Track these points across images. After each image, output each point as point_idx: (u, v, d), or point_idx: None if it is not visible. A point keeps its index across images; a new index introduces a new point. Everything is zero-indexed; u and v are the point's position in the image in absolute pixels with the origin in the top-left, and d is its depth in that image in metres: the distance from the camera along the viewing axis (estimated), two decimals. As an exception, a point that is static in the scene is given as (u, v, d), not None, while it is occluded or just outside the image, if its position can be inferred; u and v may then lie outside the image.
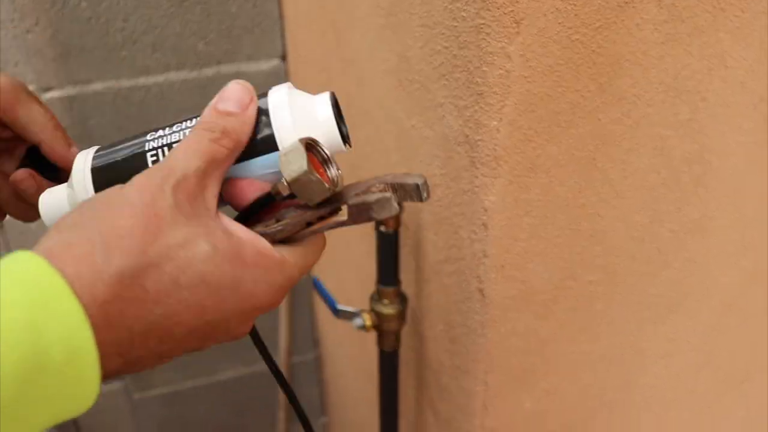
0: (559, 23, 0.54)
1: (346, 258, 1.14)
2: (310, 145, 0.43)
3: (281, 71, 1.36)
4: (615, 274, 0.70)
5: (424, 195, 0.44)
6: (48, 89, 1.24)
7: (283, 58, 1.35)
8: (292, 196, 0.43)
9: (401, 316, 0.81)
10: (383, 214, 0.44)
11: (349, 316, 0.83)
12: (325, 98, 0.47)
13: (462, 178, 0.62)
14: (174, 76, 1.30)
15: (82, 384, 0.34)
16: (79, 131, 1.29)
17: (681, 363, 0.82)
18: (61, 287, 0.34)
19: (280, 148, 0.44)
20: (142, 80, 1.29)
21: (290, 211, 0.44)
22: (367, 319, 0.81)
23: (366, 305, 0.84)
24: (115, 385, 1.62)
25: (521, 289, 0.66)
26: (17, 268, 0.34)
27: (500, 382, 0.72)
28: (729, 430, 0.95)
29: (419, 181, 0.44)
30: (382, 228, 0.74)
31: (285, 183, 0.42)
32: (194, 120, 0.46)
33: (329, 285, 0.99)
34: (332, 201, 0.44)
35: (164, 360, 0.41)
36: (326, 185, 0.42)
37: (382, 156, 0.82)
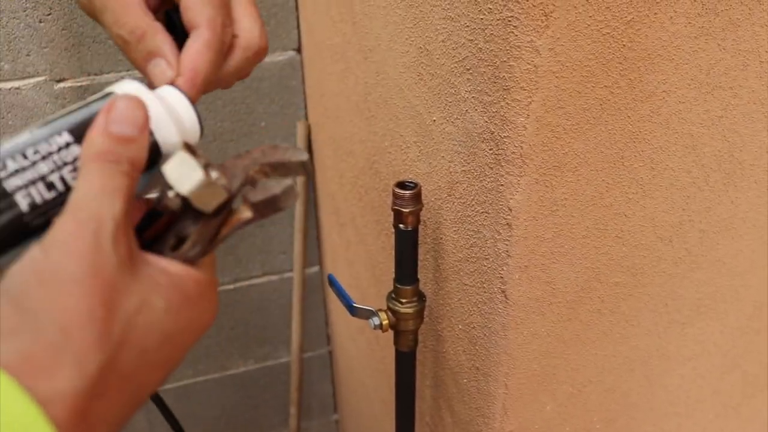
0: (590, 16, 0.52)
1: (361, 255, 1.13)
2: (188, 148, 0.40)
3: (296, 63, 1.35)
4: (642, 276, 0.68)
5: (310, 171, 0.43)
6: (61, 80, 1.23)
7: (298, 50, 1.34)
8: (180, 210, 0.40)
9: (419, 316, 0.79)
10: (289, 203, 0.43)
11: (366, 314, 0.81)
12: (175, 94, 0.44)
13: (486, 176, 0.60)
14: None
15: None
16: (92, 123, 1.28)
17: (707, 365, 0.80)
18: (38, 422, 0.30)
19: (165, 162, 0.40)
20: (156, 72, 1.27)
21: (186, 224, 0.41)
22: (384, 318, 0.79)
23: (380, 303, 0.82)
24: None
25: (545, 290, 0.64)
26: None
27: (521, 385, 0.70)
28: (753, 433, 0.93)
29: (302, 157, 0.44)
30: (401, 226, 0.72)
31: (176, 197, 0.39)
32: (54, 142, 0.39)
33: (343, 282, 0.98)
34: (226, 202, 0.42)
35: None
36: (222, 187, 0.40)
37: (401, 151, 0.81)
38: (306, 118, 1.41)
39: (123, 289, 0.34)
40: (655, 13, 0.53)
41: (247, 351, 1.67)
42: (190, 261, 0.41)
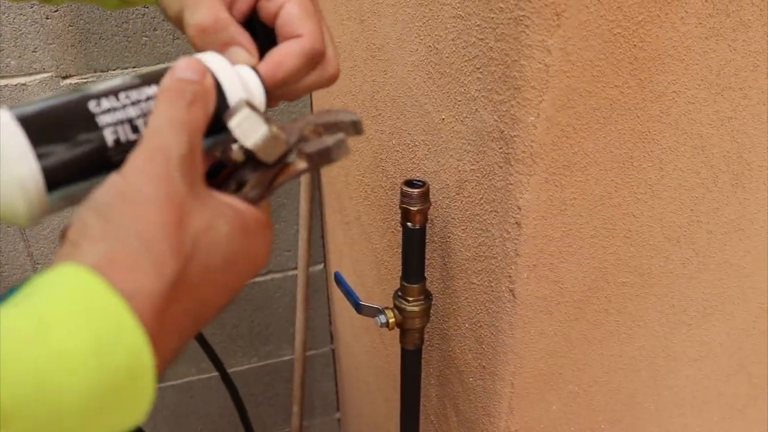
0: (601, 16, 0.52)
1: (366, 253, 1.13)
2: (253, 107, 0.43)
3: (302, 61, 1.34)
4: (649, 276, 0.68)
5: (361, 130, 0.48)
6: (67, 76, 1.23)
7: (305, 47, 1.33)
8: (245, 162, 0.44)
9: (426, 314, 0.79)
10: (341, 155, 0.46)
11: (373, 312, 0.81)
12: (249, 71, 0.47)
13: (495, 174, 0.60)
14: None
15: (140, 400, 0.34)
16: (98, 119, 1.28)
17: (713, 366, 0.80)
18: (123, 313, 0.33)
19: (231, 117, 0.43)
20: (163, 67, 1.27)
21: (246, 172, 0.45)
22: (390, 316, 0.79)
23: (385, 302, 0.82)
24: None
25: (553, 289, 0.64)
26: (74, 289, 0.33)
27: (527, 384, 0.70)
28: (758, 435, 0.93)
29: (354, 118, 0.47)
30: (409, 224, 0.72)
31: (240, 149, 0.43)
32: (138, 90, 0.42)
33: (347, 281, 0.98)
34: (285, 154, 0.45)
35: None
36: (283, 139, 0.44)
37: (408, 149, 0.81)
38: (311, 116, 1.41)
39: (191, 211, 0.38)
40: (666, 14, 0.53)
41: (251, 349, 1.67)
42: (250, 201, 0.44)
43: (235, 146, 0.43)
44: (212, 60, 0.45)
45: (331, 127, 0.47)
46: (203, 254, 0.38)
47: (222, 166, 0.45)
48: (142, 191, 0.37)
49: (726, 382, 0.83)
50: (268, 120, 0.44)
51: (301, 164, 0.45)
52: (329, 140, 0.45)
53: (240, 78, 0.46)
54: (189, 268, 0.37)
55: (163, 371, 0.37)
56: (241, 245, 0.41)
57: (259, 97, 0.47)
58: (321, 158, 0.45)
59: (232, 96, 0.45)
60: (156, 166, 0.37)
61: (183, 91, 0.40)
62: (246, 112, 0.42)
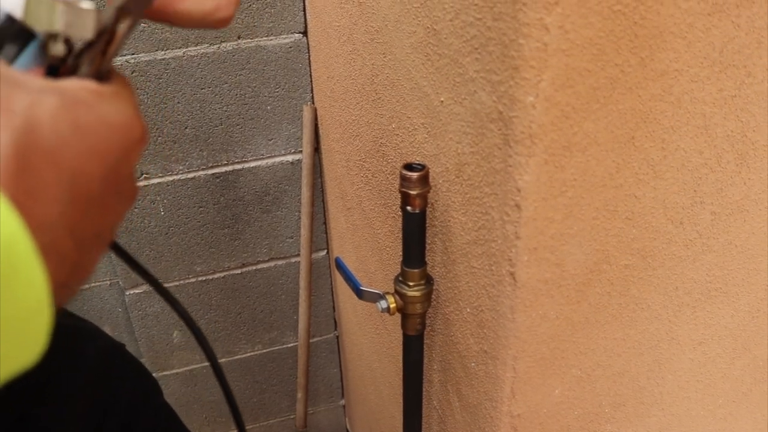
0: (601, -8, 0.51)
1: (368, 238, 1.12)
2: None
3: (303, 46, 1.34)
4: (652, 258, 0.67)
5: None
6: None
7: (305, 32, 1.33)
8: (69, 51, 0.42)
9: (427, 299, 0.78)
10: None
11: (373, 297, 0.81)
12: None
13: (494, 156, 0.60)
14: (193, 50, 1.28)
15: (27, 283, 0.32)
16: (97, 107, 1.27)
17: (717, 349, 0.79)
18: None
19: (23, 25, 0.41)
20: (161, 54, 1.27)
21: (78, 60, 0.43)
22: (391, 302, 0.79)
23: (387, 287, 0.82)
24: (134, 363, 1.61)
25: (554, 272, 0.64)
26: None
27: (529, 368, 0.70)
28: (764, 418, 0.92)
29: None
30: (409, 208, 0.71)
31: (55, 40, 0.41)
32: None
33: (349, 266, 0.97)
34: (103, 24, 0.42)
35: (108, 233, 0.42)
36: (91, 9, 0.41)
37: (408, 133, 0.80)
38: (312, 101, 1.40)
39: (6, 94, 0.36)
40: (668, -10, 0.52)
41: (254, 336, 1.67)
42: (89, 79, 0.42)
43: (50, 42, 0.41)
44: None
45: None
46: (46, 125, 0.36)
47: (55, 69, 0.43)
48: None
49: (730, 365, 0.83)
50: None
51: (123, 23, 0.43)
52: None
53: None
54: (34, 138, 0.35)
55: (68, 263, 0.37)
56: (85, 114, 0.39)
57: None
58: (137, 2, 0.42)
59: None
60: None
61: None
62: (34, 4, 0.40)
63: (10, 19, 0.41)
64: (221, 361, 1.68)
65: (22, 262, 0.31)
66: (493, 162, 0.60)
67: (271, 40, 1.32)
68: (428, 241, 0.77)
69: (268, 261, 1.57)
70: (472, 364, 0.77)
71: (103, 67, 0.43)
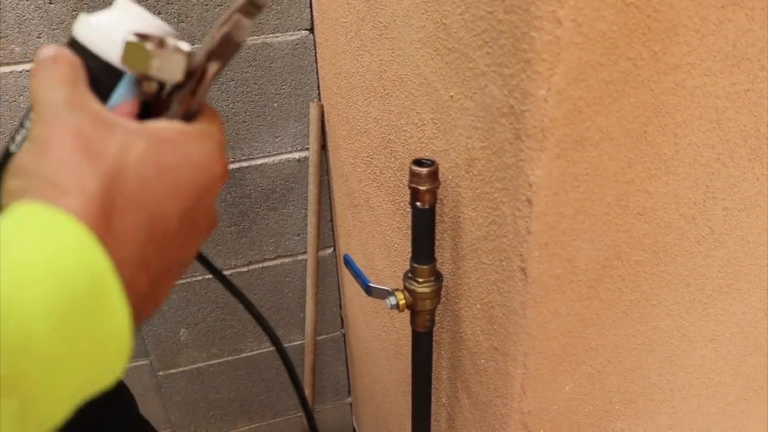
0: (614, -15, 0.50)
1: (375, 235, 1.12)
2: (141, 37, 0.44)
3: (309, 42, 1.33)
4: (663, 254, 0.67)
5: (261, 3, 0.46)
6: (72, 61, 1.22)
7: (311, 29, 1.32)
8: (161, 89, 0.46)
9: (436, 295, 0.78)
10: (243, 34, 0.46)
11: (382, 294, 0.80)
12: (120, 1, 0.48)
13: (505, 151, 0.59)
14: (199, 47, 1.27)
15: (112, 313, 0.35)
16: (104, 104, 1.27)
17: (729, 346, 0.79)
18: (71, 229, 0.35)
19: (118, 66, 0.45)
20: (167, 52, 1.26)
21: (171, 98, 0.47)
22: (401, 298, 0.78)
23: (395, 284, 0.82)
24: (141, 362, 1.62)
25: (566, 268, 0.63)
26: (16, 218, 0.35)
27: (540, 365, 0.69)
28: (774, 415, 0.92)
29: None
30: (418, 204, 0.71)
31: (149, 80, 0.45)
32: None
33: (357, 263, 0.97)
34: (194, 66, 0.46)
35: (181, 267, 0.45)
36: (181, 53, 0.45)
37: (417, 128, 0.79)
38: (319, 98, 1.40)
39: (101, 138, 0.40)
40: (681, -18, 0.52)
41: (261, 334, 1.67)
42: (178, 119, 0.46)
43: (143, 81, 0.45)
44: (80, 28, 0.47)
45: (231, 17, 0.46)
46: (131, 169, 0.40)
47: (149, 105, 0.47)
48: (44, 138, 0.39)
49: (742, 362, 0.82)
50: (161, 40, 0.45)
51: (213, 65, 0.46)
52: (226, 27, 0.46)
53: (114, 24, 0.47)
54: (120, 183, 0.39)
55: (143, 294, 0.39)
56: (170, 153, 0.42)
57: (145, 24, 0.47)
58: (226, 47, 0.46)
59: (103, 46, 0.46)
60: (49, 117, 0.40)
61: (41, 62, 0.43)
62: (126, 46, 0.44)
63: (104, 61, 0.46)
64: (227, 359, 1.68)
65: (109, 297, 0.35)
66: (504, 157, 0.60)
67: (277, 37, 1.31)
68: (437, 237, 0.77)
69: (274, 258, 1.57)
70: (482, 361, 0.76)
71: (193, 106, 0.47)
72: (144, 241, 0.40)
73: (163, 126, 0.44)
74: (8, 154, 0.46)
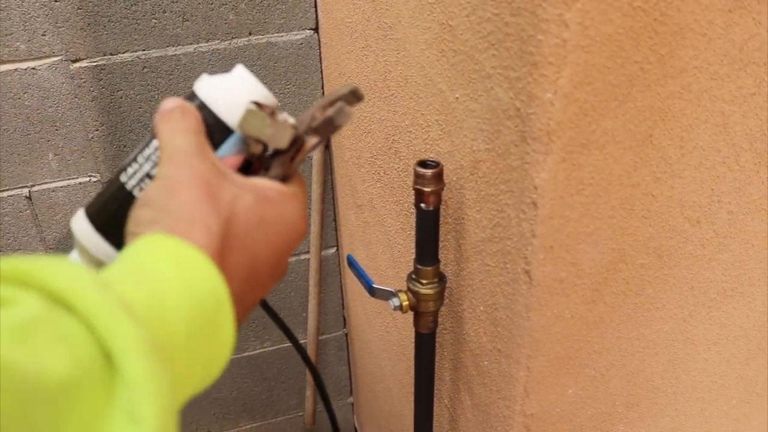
0: (621, -12, 0.50)
1: (379, 236, 1.12)
2: (259, 106, 0.51)
3: (314, 42, 1.33)
4: (668, 257, 0.67)
5: (360, 95, 0.54)
6: (77, 60, 1.22)
7: (316, 29, 1.32)
8: (264, 151, 0.52)
9: (440, 297, 0.78)
10: (344, 121, 0.52)
11: (386, 295, 0.80)
12: (240, 69, 0.54)
13: (511, 153, 0.59)
14: (204, 46, 1.27)
15: (225, 330, 0.42)
16: (108, 103, 1.28)
17: (732, 349, 0.79)
18: (194, 253, 0.42)
19: (230, 125, 0.52)
20: (171, 51, 1.27)
21: (272, 159, 0.53)
22: (404, 299, 0.78)
23: (398, 285, 0.82)
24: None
25: (570, 271, 0.63)
26: (160, 249, 0.42)
27: (543, 368, 0.69)
28: (777, 419, 0.92)
29: (351, 87, 0.53)
30: (422, 205, 0.71)
31: (257, 143, 0.52)
32: (149, 147, 0.52)
33: (361, 264, 0.97)
34: (297, 136, 0.53)
35: (257, 303, 0.51)
36: (290, 125, 0.52)
37: (421, 130, 0.79)
38: (323, 98, 1.40)
39: (218, 184, 0.46)
40: (689, -14, 0.52)
41: (264, 333, 1.67)
42: (276, 179, 0.52)
43: (251, 142, 0.52)
44: (201, 86, 0.54)
45: (334, 102, 0.52)
46: (240, 216, 0.46)
47: (250, 162, 0.53)
48: (173, 179, 0.46)
49: (745, 365, 0.82)
50: (273, 111, 0.52)
51: (312, 139, 0.53)
52: (331, 110, 0.51)
53: (226, 84, 0.53)
54: (231, 227, 0.45)
55: (235, 319, 0.44)
56: (270, 210, 0.49)
57: (259, 94, 0.53)
58: (327, 128, 0.52)
59: (222, 106, 0.52)
60: (177, 160, 0.47)
61: (171, 113, 0.50)
62: (248, 112, 0.51)
63: (220, 119, 0.52)
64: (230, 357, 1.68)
65: (225, 318, 0.42)
66: (509, 159, 0.60)
67: (282, 36, 1.31)
68: (441, 238, 0.77)
69: (277, 258, 1.57)
70: (485, 363, 0.76)
71: (290, 171, 0.53)
72: (243, 279, 0.46)
73: (265, 184, 0.50)
74: (121, 184, 0.53)
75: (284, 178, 0.53)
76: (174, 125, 0.49)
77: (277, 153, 0.53)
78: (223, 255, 0.44)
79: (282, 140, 0.52)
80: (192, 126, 0.49)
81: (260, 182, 0.50)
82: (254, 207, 0.47)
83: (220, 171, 0.48)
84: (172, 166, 0.47)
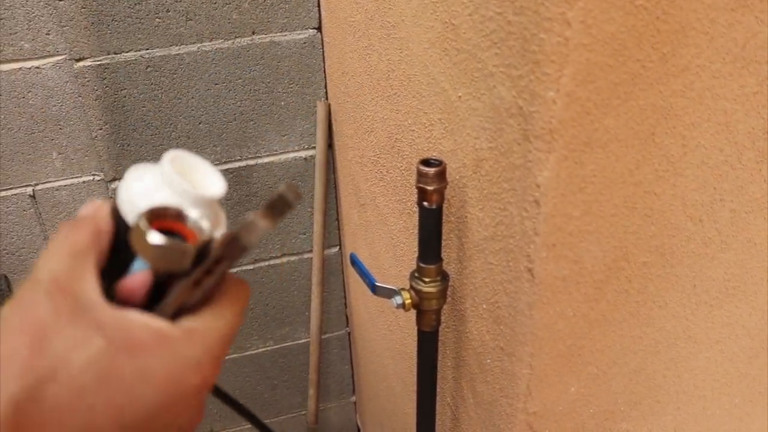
0: (623, -13, 0.50)
1: (382, 235, 1.12)
2: (155, 214, 0.40)
3: (317, 41, 1.33)
4: (670, 256, 0.67)
5: (295, 196, 0.39)
6: (80, 59, 1.23)
7: (319, 28, 1.33)
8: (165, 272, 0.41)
9: (442, 295, 0.78)
10: (252, 239, 0.40)
11: (388, 293, 0.81)
12: (164, 158, 0.44)
13: (513, 152, 0.59)
14: (207, 45, 1.28)
15: None
16: (111, 101, 1.28)
17: (734, 348, 0.79)
18: None
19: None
20: (175, 50, 1.27)
21: (177, 281, 0.41)
22: (407, 297, 0.79)
23: (401, 283, 0.82)
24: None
25: (572, 269, 0.63)
26: None
27: (546, 366, 0.69)
28: (779, 418, 0.92)
29: (281, 190, 0.39)
30: (425, 204, 0.71)
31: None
32: None
33: (363, 263, 0.97)
34: (205, 251, 0.42)
35: None
36: (183, 246, 0.40)
37: (424, 129, 0.79)
38: (326, 97, 1.40)
39: (54, 329, 0.36)
40: (691, -16, 0.52)
41: (266, 331, 1.68)
42: (162, 313, 0.40)
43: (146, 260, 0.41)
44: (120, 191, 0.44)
45: (270, 207, 0.40)
46: (68, 375, 0.35)
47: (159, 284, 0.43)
48: (3, 320, 0.36)
49: (748, 364, 0.82)
50: (179, 217, 0.41)
51: (222, 264, 0.41)
52: (236, 225, 0.40)
53: (143, 189, 0.43)
54: (45, 392, 0.34)
55: None
56: (124, 362, 0.36)
57: (167, 194, 0.43)
58: (232, 249, 0.40)
59: (127, 212, 0.42)
60: (24, 293, 0.37)
61: (64, 226, 0.41)
62: (133, 228, 0.40)
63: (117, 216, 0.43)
64: (232, 356, 1.68)
65: None
66: (512, 157, 0.60)
67: (285, 35, 1.32)
68: (444, 236, 0.77)
69: (280, 257, 1.57)
70: (488, 361, 0.76)
71: (192, 297, 0.41)
72: None
73: (138, 323, 0.38)
74: None
75: (174, 314, 0.41)
76: (54, 245, 0.40)
77: (183, 275, 0.41)
78: (18, 427, 0.33)
79: (174, 262, 0.40)
80: (74, 246, 0.39)
81: (134, 319, 0.38)
82: (98, 359, 0.35)
83: (76, 308, 0.37)
84: (17, 298, 0.37)
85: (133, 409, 0.36)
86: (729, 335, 0.77)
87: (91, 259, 0.39)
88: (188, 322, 0.40)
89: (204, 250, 0.42)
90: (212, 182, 0.45)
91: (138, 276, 0.41)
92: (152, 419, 0.37)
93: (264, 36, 1.30)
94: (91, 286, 0.38)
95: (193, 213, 0.42)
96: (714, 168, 0.63)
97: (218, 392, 0.58)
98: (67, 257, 0.38)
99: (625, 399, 0.78)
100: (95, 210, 0.42)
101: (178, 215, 0.41)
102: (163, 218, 0.41)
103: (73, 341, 0.35)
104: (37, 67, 1.25)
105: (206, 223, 0.42)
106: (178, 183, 0.42)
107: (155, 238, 0.39)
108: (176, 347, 0.38)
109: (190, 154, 0.45)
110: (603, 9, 0.50)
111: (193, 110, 1.33)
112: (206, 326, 0.40)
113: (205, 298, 0.42)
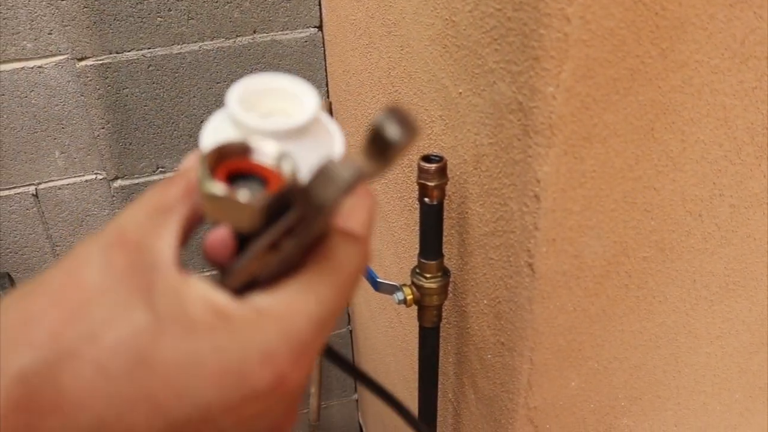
0: (622, -17, 0.51)
1: (383, 231, 1.12)
2: (219, 154, 0.31)
3: (318, 40, 1.34)
4: (670, 251, 0.67)
5: (391, 134, 0.27)
6: (82, 58, 1.23)
7: (320, 27, 1.33)
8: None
9: (443, 291, 0.79)
10: (329, 192, 0.29)
11: (390, 289, 0.81)
12: (232, 90, 0.35)
13: (513, 147, 0.60)
14: (209, 44, 1.28)
15: None
16: (113, 101, 1.28)
17: (735, 343, 0.79)
18: None
19: None
20: (177, 49, 1.27)
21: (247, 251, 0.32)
22: (408, 293, 0.79)
23: (402, 280, 0.82)
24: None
25: (573, 264, 0.64)
26: None
27: (546, 360, 0.70)
28: (780, 413, 0.92)
29: (379, 119, 0.28)
30: (426, 200, 0.71)
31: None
32: None
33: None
34: (290, 199, 0.31)
35: None
36: (234, 196, 0.30)
37: (425, 125, 0.80)
38: (327, 95, 1.40)
39: (97, 291, 0.29)
40: (689, -20, 0.52)
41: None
42: (230, 287, 0.32)
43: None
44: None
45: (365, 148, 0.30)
46: (96, 352, 0.28)
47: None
48: (48, 273, 0.31)
49: (748, 360, 0.82)
50: (252, 151, 0.32)
51: (294, 222, 0.31)
52: (313, 172, 0.30)
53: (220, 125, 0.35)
54: (64, 369, 0.28)
55: None
56: (166, 339, 0.29)
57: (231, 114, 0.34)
58: (303, 206, 0.30)
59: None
60: (77, 248, 0.31)
61: (166, 178, 0.34)
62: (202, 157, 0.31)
63: None
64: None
65: None
66: (512, 153, 0.60)
67: (286, 34, 1.32)
68: (445, 232, 0.78)
69: (282, 255, 1.58)
70: (489, 356, 0.77)
71: (270, 266, 0.32)
72: None
73: (192, 296, 0.30)
74: None
75: (241, 288, 0.32)
76: (142, 198, 0.33)
77: (253, 236, 0.31)
78: (19, 409, 0.27)
79: (234, 217, 0.30)
80: (163, 199, 0.32)
81: (191, 291, 0.30)
82: (139, 335, 0.28)
83: (138, 263, 0.30)
84: (63, 259, 0.31)
85: (176, 405, 0.29)
86: (729, 330, 0.78)
87: (176, 216, 0.32)
88: (261, 299, 0.31)
89: (291, 199, 0.31)
90: (302, 104, 0.35)
91: (217, 232, 0.33)
92: (210, 421, 0.30)
93: (265, 35, 1.31)
94: (164, 244, 0.31)
95: (268, 148, 0.32)
96: (713, 163, 0.63)
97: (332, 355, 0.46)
98: (145, 211, 0.32)
99: (626, 394, 0.78)
100: (186, 162, 0.35)
101: (245, 150, 0.32)
102: (229, 157, 0.31)
103: (113, 310, 0.29)
104: (40, 67, 1.25)
105: (289, 163, 0.32)
106: (239, 115, 0.33)
107: (209, 186, 0.30)
108: (238, 331, 0.30)
109: (272, 76, 0.36)
110: (602, 5, 0.51)
111: (194, 109, 1.34)
112: (285, 306, 0.31)
113: (294, 265, 0.32)
